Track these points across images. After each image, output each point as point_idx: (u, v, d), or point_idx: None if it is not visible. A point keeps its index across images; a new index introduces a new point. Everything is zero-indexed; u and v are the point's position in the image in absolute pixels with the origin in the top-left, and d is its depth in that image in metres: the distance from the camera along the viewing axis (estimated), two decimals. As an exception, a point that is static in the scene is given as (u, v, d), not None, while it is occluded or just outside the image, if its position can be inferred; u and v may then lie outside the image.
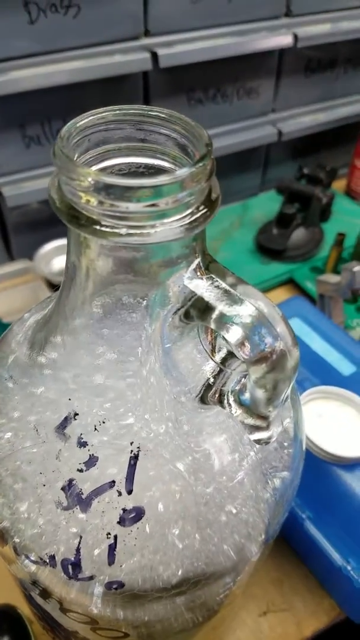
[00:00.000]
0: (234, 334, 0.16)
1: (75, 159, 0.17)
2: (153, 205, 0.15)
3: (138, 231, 0.15)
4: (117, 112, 0.17)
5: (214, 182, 0.16)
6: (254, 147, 0.61)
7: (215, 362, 0.19)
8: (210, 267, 0.17)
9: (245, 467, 0.20)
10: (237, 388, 0.18)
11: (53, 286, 0.52)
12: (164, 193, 0.15)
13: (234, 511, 0.21)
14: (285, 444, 0.22)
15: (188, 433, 0.19)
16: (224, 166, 0.61)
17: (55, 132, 0.52)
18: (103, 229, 0.15)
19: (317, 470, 0.32)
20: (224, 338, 0.17)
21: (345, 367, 0.37)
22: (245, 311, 0.16)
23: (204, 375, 0.19)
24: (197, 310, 0.17)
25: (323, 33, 0.56)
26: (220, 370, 0.19)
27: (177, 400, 0.19)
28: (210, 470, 0.20)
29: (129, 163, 0.18)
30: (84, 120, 0.17)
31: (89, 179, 0.15)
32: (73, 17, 0.46)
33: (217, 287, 0.17)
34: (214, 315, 0.16)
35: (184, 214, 0.15)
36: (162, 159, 0.18)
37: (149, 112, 0.17)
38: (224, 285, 0.17)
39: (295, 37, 0.55)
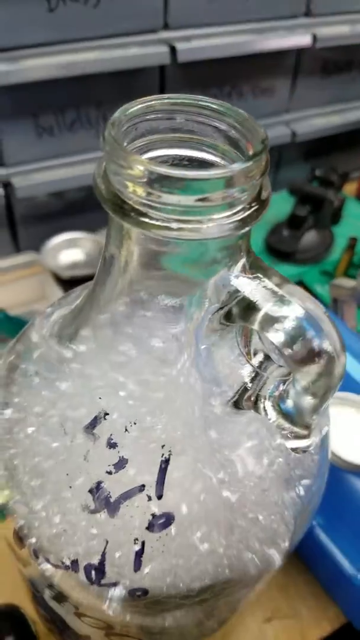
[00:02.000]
0: (281, 336, 0.16)
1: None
2: (204, 199, 0.14)
3: (187, 226, 0.14)
4: (166, 101, 0.16)
5: (266, 179, 0.16)
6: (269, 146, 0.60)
7: (252, 366, 0.18)
8: (254, 265, 0.17)
9: (273, 473, 0.20)
10: (275, 394, 0.17)
11: (60, 280, 0.51)
12: (216, 187, 0.14)
13: (261, 518, 0.20)
14: (313, 450, 0.22)
15: (219, 437, 0.19)
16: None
17: (70, 123, 0.51)
18: (151, 221, 0.14)
19: (330, 476, 0.32)
20: (270, 341, 0.16)
21: (357, 371, 0.36)
22: (293, 312, 0.16)
23: (240, 379, 0.18)
24: (241, 310, 0.16)
25: (342, 35, 0.56)
26: (257, 374, 0.18)
27: (211, 403, 0.18)
28: (239, 476, 0.19)
29: (174, 155, 0.18)
30: (133, 107, 0.16)
31: (140, 168, 0.14)
32: (93, 7, 0.45)
33: (264, 286, 0.16)
34: (260, 315, 0.16)
35: (234, 211, 0.15)
36: (210, 152, 0.17)
37: (199, 103, 0.16)
38: (270, 284, 0.16)
39: (314, 37, 0.54)
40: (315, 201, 0.57)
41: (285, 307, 0.16)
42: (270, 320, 0.16)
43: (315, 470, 0.22)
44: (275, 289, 0.16)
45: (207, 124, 0.17)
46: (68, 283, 0.51)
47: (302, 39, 0.54)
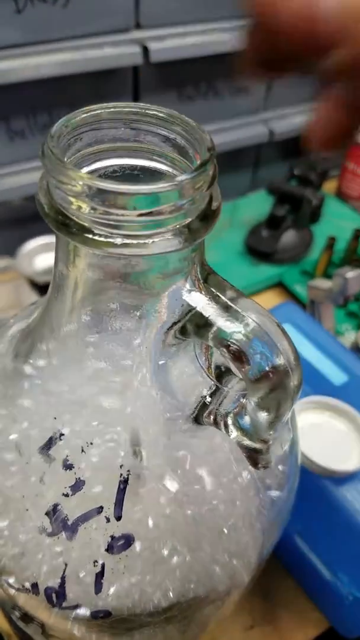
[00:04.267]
0: (233, 352, 0.15)
1: (66, 160, 0.15)
2: (150, 213, 0.13)
3: (134, 241, 0.14)
4: (112, 110, 0.16)
5: (215, 189, 0.15)
6: (245, 146, 0.60)
7: (211, 380, 0.18)
8: (209, 279, 0.16)
9: (238, 487, 0.19)
10: (234, 410, 0.17)
11: (36, 286, 0.51)
12: (162, 200, 0.14)
13: (227, 532, 0.20)
14: (280, 464, 0.21)
15: (180, 454, 0.18)
16: (213, 165, 0.60)
17: (42, 126, 0.50)
18: (95, 237, 0.14)
19: (308, 482, 0.32)
20: (223, 355, 0.16)
21: (337, 377, 0.36)
22: (245, 327, 0.15)
23: (199, 393, 0.18)
24: (194, 325, 0.16)
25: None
26: (217, 389, 0.18)
27: (170, 419, 0.18)
28: (203, 492, 0.19)
29: (123, 165, 0.17)
30: (76, 118, 0.15)
31: (81, 183, 0.13)
32: (62, 7, 0.45)
33: (217, 301, 0.16)
34: (213, 331, 0.15)
35: (183, 224, 0.14)
36: (160, 162, 0.17)
37: (146, 111, 0.16)
38: (223, 299, 0.16)
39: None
40: (294, 200, 0.57)
41: (237, 323, 0.15)
42: (223, 337, 0.15)
43: (283, 482, 0.22)
44: (229, 303, 0.16)
45: (155, 132, 0.16)
46: (44, 288, 0.50)
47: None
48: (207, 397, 0.17)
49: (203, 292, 0.16)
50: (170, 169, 0.17)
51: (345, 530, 0.31)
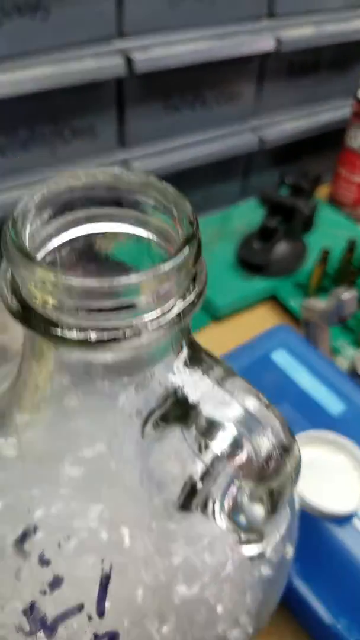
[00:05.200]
0: (220, 442, 0.14)
1: (30, 236, 0.14)
2: (128, 306, 0.12)
3: (110, 334, 0.12)
4: (85, 180, 0.14)
5: (201, 263, 0.14)
6: (234, 155, 0.58)
7: (200, 461, 0.16)
8: (194, 356, 0.15)
9: (231, 569, 0.18)
10: (226, 499, 0.15)
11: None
12: (140, 291, 0.12)
13: (220, 614, 0.18)
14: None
15: (166, 541, 0.17)
16: (202, 174, 0.58)
17: (22, 142, 0.48)
18: (64, 333, 0.12)
19: (307, 523, 0.30)
20: (207, 445, 0.14)
21: (334, 406, 0.34)
22: (233, 414, 0.14)
23: (186, 476, 0.16)
24: (177, 412, 0.14)
25: (307, 36, 0.54)
26: (206, 472, 0.16)
27: (155, 505, 0.16)
28: (192, 580, 0.17)
29: (97, 233, 0.15)
30: (43, 193, 0.14)
31: (49, 280, 0.12)
32: (42, 21, 0.43)
33: (203, 383, 0.14)
34: (197, 419, 0.14)
35: (166, 309, 0.13)
36: (141, 227, 0.15)
37: (118, 180, 0.14)
38: (210, 381, 0.14)
39: (279, 41, 0.52)
40: (286, 211, 0.55)
41: (224, 409, 0.14)
42: (208, 425, 0.14)
43: (280, 549, 0.20)
44: (216, 386, 0.14)
45: (134, 199, 0.15)
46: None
47: (266, 44, 0.51)
48: (197, 480, 0.16)
49: (188, 374, 0.14)
50: (152, 235, 0.15)
51: (346, 573, 0.30)
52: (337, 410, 0.35)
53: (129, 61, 0.47)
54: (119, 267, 0.16)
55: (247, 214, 0.61)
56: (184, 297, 0.13)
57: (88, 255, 0.15)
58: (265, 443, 0.14)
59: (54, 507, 0.16)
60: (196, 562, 0.17)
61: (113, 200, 0.15)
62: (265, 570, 0.19)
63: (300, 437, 0.31)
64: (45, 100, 0.46)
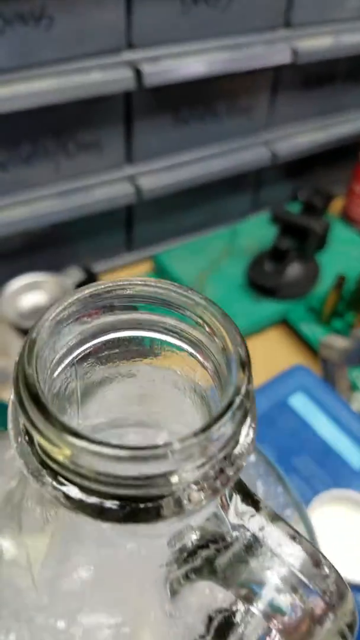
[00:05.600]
0: (262, 604, 0.12)
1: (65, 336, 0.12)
2: (161, 477, 0.10)
3: (140, 505, 0.10)
4: (115, 292, 0.12)
5: (252, 411, 0.11)
6: (246, 170, 0.55)
7: (232, 615, 0.14)
8: (237, 500, 0.12)
9: None
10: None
11: (23, 332, 0.47)
12: (178, 465, 0.10)
13: None
14: None
15: None
16: (211, 187, 0.56)
17: (24, 157, 0.46)
18: (85, 500, 0.10)
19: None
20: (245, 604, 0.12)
21: (356, 458, 0.32)
22: (277, 570, 0.12)
23: (216, 612, 0.14)
24: (211, 567, 0.12)
25: (324, 48, 0.51)
26: (238, 627, 0.14)
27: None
28: None
29: (123, 338, 0.13)
30: (65, 311, 0.11)
31: (71, 450, 0.10)
32: (46, 30, 0.40)
33: (243, 537, 0.12)
34: (236, 580, 0.12)
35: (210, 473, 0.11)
36: (170, 335, 0.13)
37: (156, 297, 0.12)
38: (248, 533, 0.12)
39: (295, 53, 0.49)
40: (299, 231, 0.53)
41: (266, 564, 0.12)
42: (247, 589, 0.12)
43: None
44: (255, 539, 0.12)
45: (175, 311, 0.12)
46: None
47: (282, 55, 0.49)
48: (228, 619, 0.14)
49: (228, 521, 0.12)
50: (190, 348, 0.13)
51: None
52: (359, 463, 0.33)
53: (138, 73, 0.44)
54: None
55: (258, 230, 0.59)
56: (230, 456, 0.11)
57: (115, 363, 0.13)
58: (310, 604, 0.12)
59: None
60: None
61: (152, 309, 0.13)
62: None
63: (323, 497, 0.29)
64: (49, 113, 0.44)
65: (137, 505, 0.10)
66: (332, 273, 0.52)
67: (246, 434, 0.11)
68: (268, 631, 0.14)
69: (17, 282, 0.49)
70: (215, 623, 0.14)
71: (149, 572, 0.13)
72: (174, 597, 0.13)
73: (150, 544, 0.12)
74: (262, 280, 0.52)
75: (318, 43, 0.51)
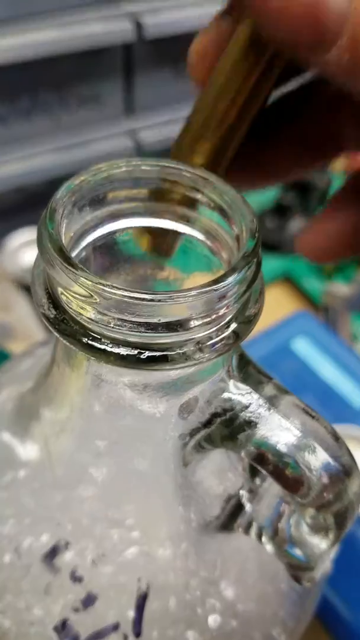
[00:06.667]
0: (276, 467, 0.12)
1: (67, 224, 0.12)
2: (176, 326, 0.10)
3: (155, 354, 0.11)
4: (124, 169, 0.12)
5: (260, 279, 0.12)
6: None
7: (245, 481, 0.15)
8: (245, 372, 0.13)
9: (272, 592, 0.17)
10: (274, 522, 0.14)
11: (24, 287, 0.47)
12: (193, 308, 0.10)
13: (257, 630, 0.17)
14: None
15: (207, 561, 0.15)
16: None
17: (24, 110, 0.46)
18: (102, 347, 0.11)
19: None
20: (261, 470, 0.13)
21: (358, 399, 0.33)
22: (286, 435, 0.13)
23: (229, 494, 0.15)
24: (224, 434, 0.13)
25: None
26: (251, 491, 0.15)
27: (194, 526, 0.15)
28: (230, 598, 0.16)
29: (142, 226, 0.14)
30: (82, 182, 0.12)
31: (87, 288, 0.10)
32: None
33: (254, 404, 0.13)
34: (248, 443, 0.13)
35: (219, 327, 0.11)
36: (189, 226, 0.13)
37: (169, 173, 0.12)
38: (261, 400, 0.13)
39: None
40: (301, 186, 0.53)
41: (279, 431, 0.12)
42: (260, 450, 0.12)
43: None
44: (268, 406, 0.13)
45: (181, 193, 0.13)
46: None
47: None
48: (240, 501, 0.15)
49: (237, 393, 0.13)
50: (201, 236, 0.13)
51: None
52: (360, 400, 0.34)
53: (138, 25, 0.44)
54: (159, 267, 0.14)
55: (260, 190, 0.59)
56: (239, 316, 0.12)
57: (123, 254, 0.14)
58: (329, 468, 0.12)
59: (87, 519, 0.15)
60: (237, 586, 0.16)
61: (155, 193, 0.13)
62: (306, 588, 0.18)
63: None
64: (49, 66, 0.43)
65: (154, 351, 0.10)
66: (333, 228, 0.53)
67: (256, 300, 0.12)
68: (278, 508, 0.14)
69: (18, 238, 0.49)
70: (228, 505, 0.15)
71: (162, 444, 0.13)
72: (187, 469, 0.14)
73: (164, 414, 0.13)
74: (265, 236, 0.52)
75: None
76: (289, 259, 0.53)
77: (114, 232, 0.13)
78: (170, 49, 0.48)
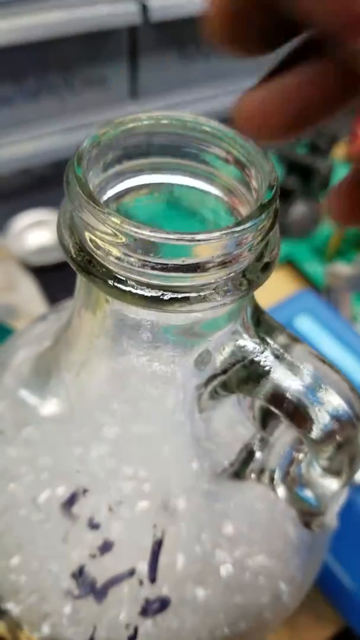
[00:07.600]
0: (291, 409, 0.13)
1: (92, 178, 0.12)
2: (197, 267, 0.11)
3: (177, 295, 0.11)
4: (145, 122, 0.13)
5: (275, 231, 0.12)
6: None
7: (257, 429, 0.15)
8: (260, 323, 0.14)
9: (282, 542, 0.17)
10: (285, 468, 0.15)
11: (29, 268, 0.47)
12: (211, 251, 0.11)
13: (268, 586, 0.18)
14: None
15: (219, 510, 0.16)
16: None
17: (31, 91, 0.46)
18: (128, 288, 0.11)
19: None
20: (277, 413, 0.13)
21: (359, 374, 0.34)
22: (303, 380, 0.13)
23: (241, 443, 0.16)
24: (240, 379, 0.13)
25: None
26: (263, 440, 0.15)
27: (209, 474, 0.16)
28: (242, 548, 0.17)
29: (158, 183, 0.14)
30: (105, 134, 0.12)
31: (114, 228, 0.11)
32: None
33: (268, 350, 0.13)
34: (263, 386, 0.13)
35: (235, 273, 0.12)
36: (207, 182, 0.14)
37: (187, 125, 0.13)
38: (275, 347, 0.13)
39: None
40: (304, 170, 0.53)
41: (293, 375, 0.13)
42: (278, 392, 0.13)
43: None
44: (282, 352, 0.13)
45: (200, 148, 0.13)
46: (38, 271, 0.47)
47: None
48: (251, 450, 0.15)
49: (252, 340, 0.13)
50: (219, 193, 0.14)
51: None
52: (362, 376, 0.34)
53: (144, 8, 0.44)
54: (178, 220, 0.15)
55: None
56: (256, 263, 0.12)
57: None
58: (340, 411, 0.13)
59: (104, 468, 0.15)
60: (249, 533, 0.17)
61: (176, 149, 0.13)
62: (315, 536, 0.19)
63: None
64: (55, 48, 0.44)
65: (176, 292, 0.11)
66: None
67: (271, 250, 0.12)
68: (289, 456, 0.15)
69: (24, 220, 0.50)
70: (240, 453, 0.15)
71: (179, 392, 0.14)
72: (201, 417, 0.14)
73: (183, 358, 0.13)
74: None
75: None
76: (290, 243, 0.53)
77: (132, 189, 0.14)
78: (175, 33, 0.48)
